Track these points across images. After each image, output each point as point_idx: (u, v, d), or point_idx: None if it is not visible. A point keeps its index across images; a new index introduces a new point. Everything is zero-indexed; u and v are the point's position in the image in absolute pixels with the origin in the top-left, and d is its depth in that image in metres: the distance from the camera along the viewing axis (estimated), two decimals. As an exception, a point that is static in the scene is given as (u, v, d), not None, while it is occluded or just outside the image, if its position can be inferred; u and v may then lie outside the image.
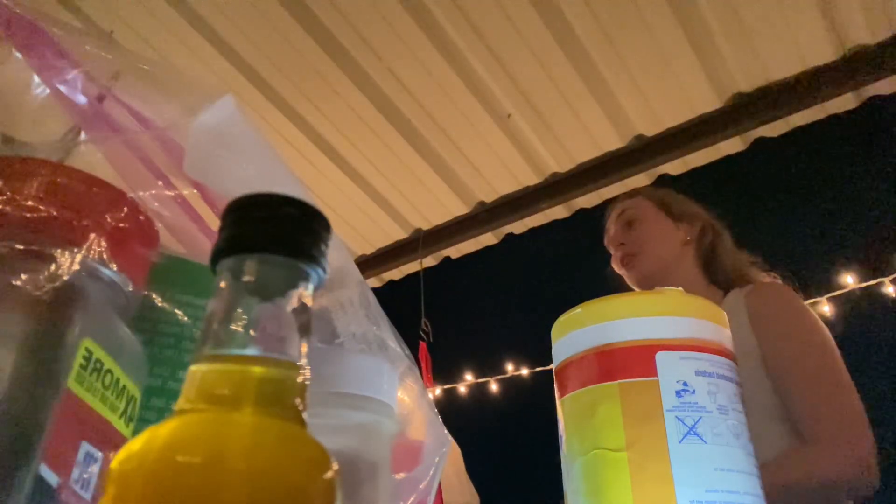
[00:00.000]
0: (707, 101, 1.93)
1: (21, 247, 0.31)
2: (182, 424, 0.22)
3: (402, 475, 0.45)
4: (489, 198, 2.33)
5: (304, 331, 0.24)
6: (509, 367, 2.88)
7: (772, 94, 1.86)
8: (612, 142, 2.08)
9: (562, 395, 0.43)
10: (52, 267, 0.31)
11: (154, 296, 0.40)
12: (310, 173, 2.16)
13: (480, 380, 2.93)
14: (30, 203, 0.33)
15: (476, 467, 1.97)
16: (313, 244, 0.25)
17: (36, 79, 0.45)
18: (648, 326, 0.41)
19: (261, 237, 0.24)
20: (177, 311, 0.41)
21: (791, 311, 1.14)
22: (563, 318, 0.45)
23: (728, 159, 2.09)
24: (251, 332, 0.24)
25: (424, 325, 2.29)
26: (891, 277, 2.18)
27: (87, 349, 0.30)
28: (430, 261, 2.57)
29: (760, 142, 2.01)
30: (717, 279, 1.28)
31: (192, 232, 0.45)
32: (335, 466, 0.22)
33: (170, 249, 0.42)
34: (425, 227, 2.46)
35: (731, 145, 2.05)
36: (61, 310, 0.30)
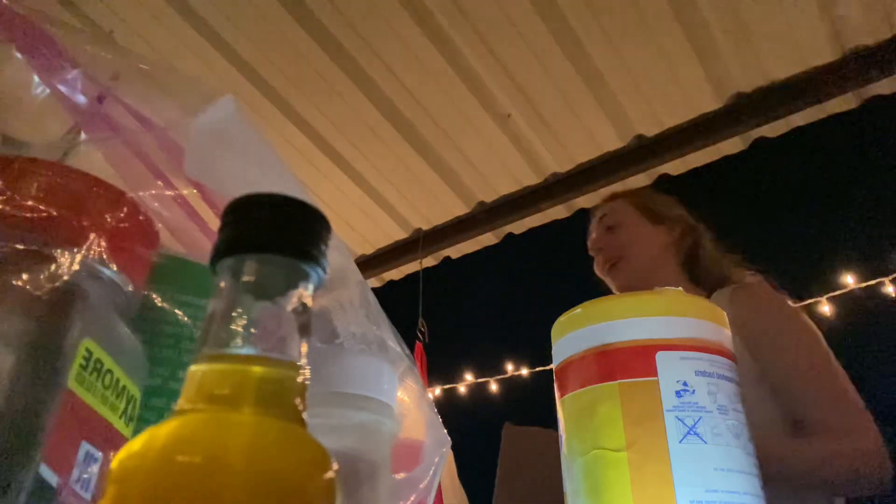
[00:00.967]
0: (707, 101, 1.93)
1: (21, 247, 0.31)
2: (182, 424, 0.22)
3: (402, 475, 0.45)
4: (489, 198, 2.33)
5: (304, 331, 0.24)
6: (509, 367, 2.88)
7: (772, 94, 1.86)
8: (612, 142, 2.08)
9: (562, 395, 0.43)
10: (52, 267, 0.31)
11: (154, 296, 0.40)
12: (310, 173, 2.16)
13: (480, 380, 2.93)
14: (30, 203, 0.33)
15: (476, 467, 1.97)
16: (313, 244, 0.25)
17: (36, 79, 0.45)
18: (648, 326, 0.41)
19: (261, 237, 0.24)
20: (177, 311, 0.41)
21: (775, 309, 1.14)
22: (563, 318, 0.45)
23: (728, 159, 2.09)
24: (251, 332, 0.24)
25: (421, 326, 2.30)
26: (891, 277, 2.18)
27: (87, 349, 0.30)
28: (429, 261, 2.57)
29: (760, 142, 2.01)
30: (700, 281, 1.28)
31: (192, 232, 0.45)
32: (335, 466, 0.22)
33: (170, 249, 0.42)
34: (425, 227, 2.46)
35: (731, 145, 2.05)
36: (61, 310, 0.30)
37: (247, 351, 0.23)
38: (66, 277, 0.31)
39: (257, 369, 0.23)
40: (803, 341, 1.11)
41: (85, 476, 0.29)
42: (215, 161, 0.43)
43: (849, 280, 2.23)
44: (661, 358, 0.39)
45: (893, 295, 2.16)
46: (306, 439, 0.23)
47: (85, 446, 0.30)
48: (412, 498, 0.45)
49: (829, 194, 2.56)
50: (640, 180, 2.17)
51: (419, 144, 2.12)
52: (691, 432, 0.38)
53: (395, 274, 2.64)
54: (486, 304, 3.43)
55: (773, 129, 1.98)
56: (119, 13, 1.75)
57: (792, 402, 1.06)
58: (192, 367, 0.23)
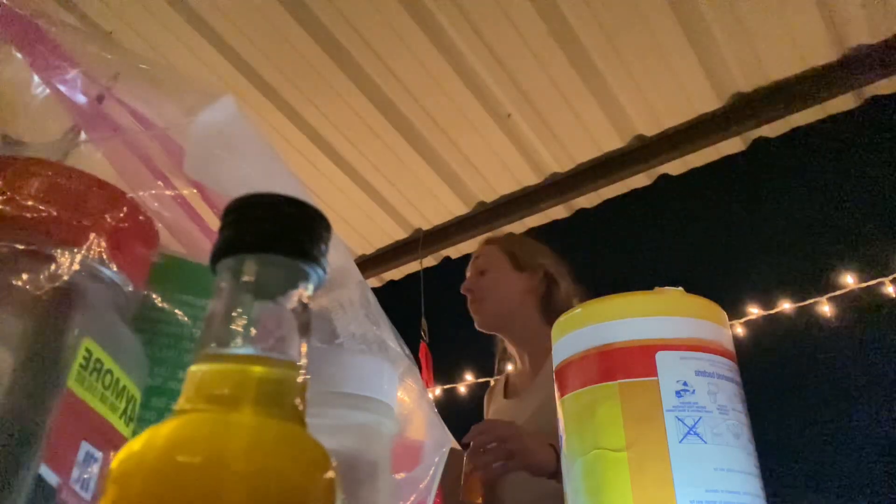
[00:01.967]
0: (707, 101, 1.93)
1: (21, 247, 0.31)
2: (182, 424, 0.22)
3: (402, 475, 0.45)
4: (489, 198, 2.33)
5: (304, 331, 0.24)
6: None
7: (772, 94, 1.86)
8: (612, 142, 2.08)
9: (562, 395, 0.43)
10: (52, 267, 0.31)
11: (154, 296, 0.40)
12: (310, 173, 2.16)
13: (480, 380, 2.93)
14: (30, 203, 0.33)
15: (476, 467, 1.96)
16: (313, 244, 0.25)
17: (36, 79, 0.45)
18: (648, 326, 0.41)
19: (261, 237, 0.24)
20: (177, 311, 0.41)
21: None
22: (563, 318, 0.45)
23: (728, 159, 2.09)
24: (251, 332, 0.24)
25: (423, 325, 2.30)
26: (891, 277, 2.18)
27: (87, 349, 0.30)
28: (430, 261, 2.57)
29: (760, 142, 2.02)
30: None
31: (192, 232, 0.45)
32: (335, 466, 0.22)
33: (170, 249, 0.42)
34: (425, 227, 2.46)
35: (731, 145, 2.05)
36: (61, 310, 0.30)
37: (247, 351, 0.23)
38: (66, 277, 0.31)
39: (257, 369, 0.23)
40: None
41: (85, 476, 0.29)
42: (215, 161, 0.42)
43: (849, 280, 2.23)
44: (661, 358, 0.39)
45: (893, 295, 2.16)
46: (306, 439, 0.23)
47: (85, 446, 0.30)
48: (412, 498, 0.45)
49: (829, 194, 2.56)
50: (640, 180, 2.17)
51: (419, 144, 2.12)
52: (691, 432, 0.38)
53: (395, 274, 2.64)
54: (486, 304, 3.42)
55: (773, 129, 1.98)
56: (119, 13, 1.75)
57: None
58: (192, 367, 0.23)
